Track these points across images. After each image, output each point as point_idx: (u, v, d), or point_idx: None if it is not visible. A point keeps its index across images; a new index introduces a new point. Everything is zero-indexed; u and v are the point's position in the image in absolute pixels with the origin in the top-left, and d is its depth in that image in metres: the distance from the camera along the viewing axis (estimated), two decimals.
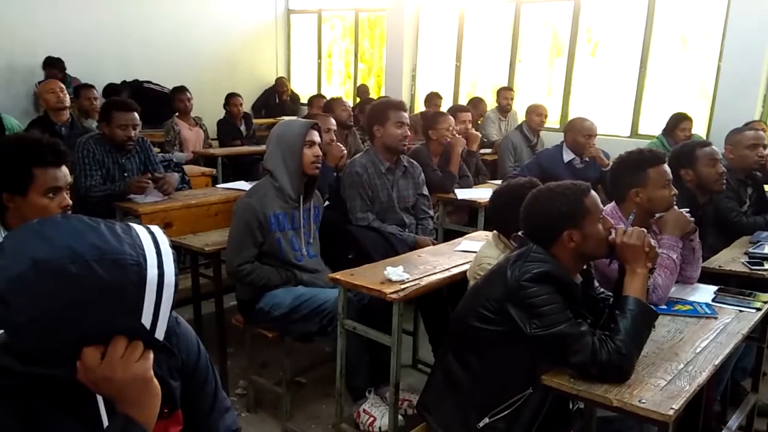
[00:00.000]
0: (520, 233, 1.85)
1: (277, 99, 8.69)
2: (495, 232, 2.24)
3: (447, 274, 2.39)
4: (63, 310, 0.87)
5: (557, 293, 1.67)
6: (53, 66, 6.21)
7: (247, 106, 6.85)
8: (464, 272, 2.36)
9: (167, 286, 0.94)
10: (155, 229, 1.00)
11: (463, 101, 6.77)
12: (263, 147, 5.83)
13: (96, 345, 0.91)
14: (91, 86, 4.98)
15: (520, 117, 6.01)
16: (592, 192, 1.79)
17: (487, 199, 3.77)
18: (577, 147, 4.02)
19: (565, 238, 1.73)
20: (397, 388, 2.25)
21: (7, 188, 1.71)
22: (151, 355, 0.96)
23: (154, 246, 0.95)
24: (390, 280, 2.24)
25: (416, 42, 7.77)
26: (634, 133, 6.06)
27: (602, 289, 1.98)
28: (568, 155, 4.05)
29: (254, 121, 6.59)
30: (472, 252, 2.54)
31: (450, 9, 7.47)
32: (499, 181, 4.39)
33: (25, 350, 0.92)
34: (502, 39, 7.08)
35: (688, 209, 2.31)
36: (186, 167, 4.21)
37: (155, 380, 0.97)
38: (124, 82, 7.03)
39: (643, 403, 1.50)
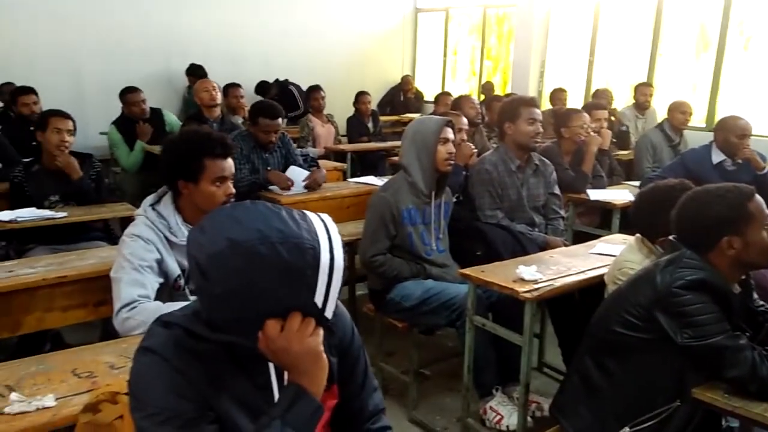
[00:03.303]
0: (671, 238, 1.76)
1: (401, 97, 8.85)
2: (638, 235, 2.14)
3: (582, 276, 2.32)
4: (252, 285, 0.97)
5: (713, 303, 1.58)
6: (195, 74, 6.81)
7: (373, 104, 7.05)
8: (601, 276, 2.28)
9: (337, 269, 1.02)
10: (325, 217, 1.08)
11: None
12: (389, 143, 6.05)
13: (276, 318, 1.01)
14: (238, 85, 5.39)
15: (660, 115, 5.64)
16: (757, 196, 1.66)
17: (622, 201, 3.65)
18: (728, 147, 3.70)
19: (724, 245, 1.62)
20: (527, 389, 2.23)
21: (183, 176, 1.91)
22: (322, 332, 1.05)
23: (326, 232, 1.03)
24: (523, 279, 2.22)
25: (546, 36, 7.54)
26: None
27: (761, 302, 1.83)
28: (717, 156, 3.75)
29: (380, 118, 6.77)
30: (610, 255, 2.45)
31: (585, 1, 7.17)
32: (635, 183, 4.18)
33: (216, 319, 1.04)
34: (642, 32, 6.67)
35: None
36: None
37: (324, 355, 1.05)
38: (276, 80, 7.57)
39: None
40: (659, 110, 5.83)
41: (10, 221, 2.80)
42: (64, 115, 3.10)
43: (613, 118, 5.35)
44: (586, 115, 3.88)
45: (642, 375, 1.69)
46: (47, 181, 3.08)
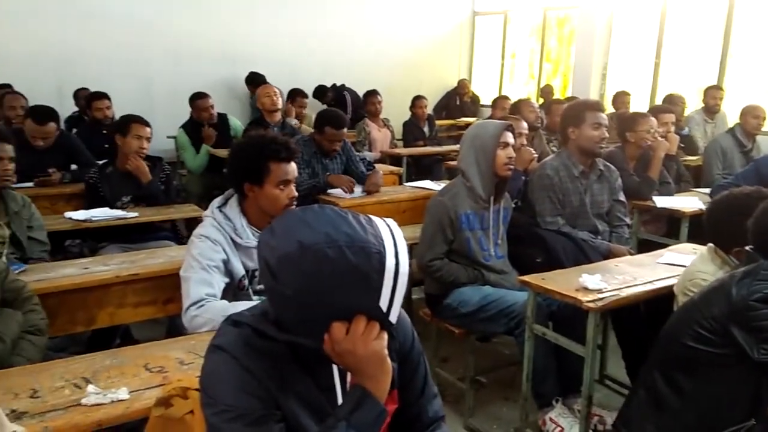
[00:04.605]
0: (747, 248, 1.68)
1: (457, 101, 8.81)
2: (711, 245, 2.05)
3: (650, 287, 2.24)
4: (320, 287, 0.98)
5: None
6: (254, 82, 7.00)
7: (429, 108, 7.05)
8: (669, 287, 2.20)
9: (402, 274, 1.02)
10: (390, 222, 1.09)
11: (661, 101, 6.24)
12: (445, 148, 6.02)
13: (342, 321, 1.02)
14: (305, 95, 5.53)
15: (731, 119, 5.38)
16: None
17: (691, 209, 3.50)
18: None
19: None
20: (590, 401, 2.17)
21: (248, 179, 1.96)
22: (386, 336, 1.05)
23: (392, 237, 1.04)
24: (586, 288, 2.16)
25: (609, 38, 7.34)
26: None
27: None
28: None
29: (436, 122, 6.75)
30: (679, 266, 2.36)
31: (651, 1, 6.93)
32: (705, 190, 4.00)
33: (284, 319, 1.06)
34: (712, 33, 6.39)
35: None
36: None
37: (389, 359, 1.06)
38: (333, 85, 7.73)
39: None
40: (730, 114, 5.56)
41: (85, 220, 2.95)
42: (144, 123, 3.25)
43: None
44: (653, 118, 3.75)
45: (714, 391, 1.61)
46: (120, 183, 3.23)
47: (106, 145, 4.04)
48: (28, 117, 3.64)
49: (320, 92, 7.54)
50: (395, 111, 6.74)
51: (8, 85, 5.41)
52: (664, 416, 1.70)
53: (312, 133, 3.83)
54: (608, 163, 3.22)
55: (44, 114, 3.61)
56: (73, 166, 3.79)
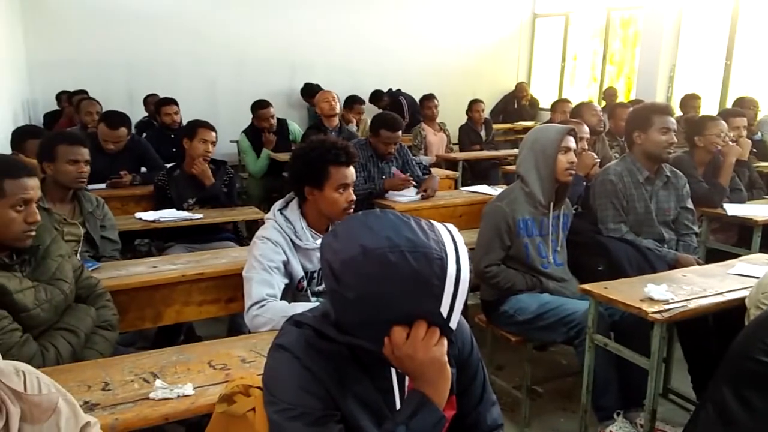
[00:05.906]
0: None
1: (515, 104, 8.68)
2: None
3: (720, 299, 2.14)
4: (382, 291, 0.99)
5: None
6: (308, 93, 7.16)
7: (486, 112, 6.99)
8: (740, 299, 2.09)
9: (462, 281, 1.01)
10: (452, 227, 1.08)
11: (732, 104, 5.94)
12: (501, 152, 5.94)
13: (402, 325, 1.02)
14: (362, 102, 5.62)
15: None
16: None
17: (765, 218, 3.32)
18: None
19: None
20: (654, 416, 2.09)
21: (309, 182, 2.01)
22: (446, 342, 1.05)
23: (453, 243, 1.03)
24: (651, 299, 2.08)
25: (677, 39, 7.06)
26: None
27: None
28: None
29: (493, 126, 6.67)
30: (751, 277, 2.25)
31: (722, 1, 6.63)
32: None
33: (345, 322, 1.07)
34: None
35: None
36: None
37: (448, 365, 1.05)
38: (389, 89, 7.82)
39: None
40: None
41: (154, 221, 3.09)
42: (210, 128, 3.37)
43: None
44: (723, 122, 3.58)
45: None
46: (186, 185, 3.36)
47: (174, 149, 4.20)
48: (101, 122, 3.83)
49: (376, 97, 7.62)
50: (452, 115, 6.72)
51: (84, 92, 5.73)
52: None
53: (368, 136, 3.87)
54: (675, 169, 3.10)
55: (116, 119, 3.79)
56: (143, 169, 3.95)
